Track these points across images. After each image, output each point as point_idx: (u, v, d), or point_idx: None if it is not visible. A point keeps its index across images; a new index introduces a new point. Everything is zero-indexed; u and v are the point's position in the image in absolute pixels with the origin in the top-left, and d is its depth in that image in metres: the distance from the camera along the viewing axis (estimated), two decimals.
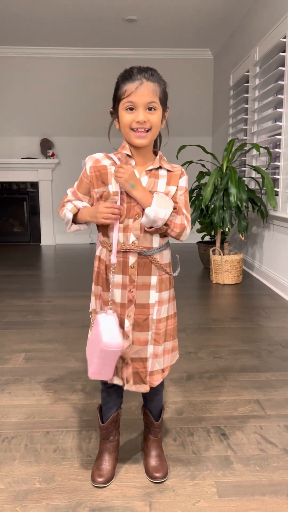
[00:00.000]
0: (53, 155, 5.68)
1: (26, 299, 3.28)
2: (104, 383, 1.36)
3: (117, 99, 1.18)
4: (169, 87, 1.23)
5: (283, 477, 1.36)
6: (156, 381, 1.30)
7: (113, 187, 1.20)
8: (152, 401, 1.40)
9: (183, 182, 1.26)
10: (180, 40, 5.22)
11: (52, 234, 5.94)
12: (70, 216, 1.26)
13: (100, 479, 1.31)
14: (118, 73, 1.20)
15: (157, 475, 1.33)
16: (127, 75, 1.15)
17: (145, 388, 1.28)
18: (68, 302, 3.19)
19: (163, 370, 1.31)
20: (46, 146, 5.68)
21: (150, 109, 1.15)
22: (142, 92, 1.13)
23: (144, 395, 1.40)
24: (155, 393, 1.38)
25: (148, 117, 1.15)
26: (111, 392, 1.36)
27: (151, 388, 1.31)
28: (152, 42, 5.26)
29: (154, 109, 1.16)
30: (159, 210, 1.14)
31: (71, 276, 4.06)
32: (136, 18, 4.51)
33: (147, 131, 1.16)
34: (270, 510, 1.23)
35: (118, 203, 1.18)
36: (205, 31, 4.90)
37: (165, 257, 1.27)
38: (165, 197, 1.19)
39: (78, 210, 1.26)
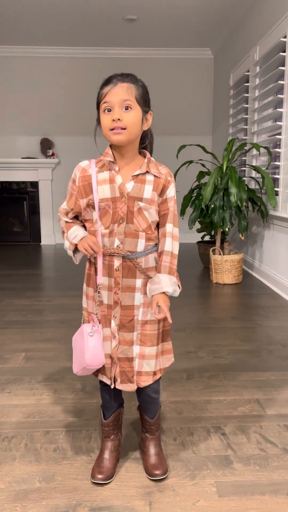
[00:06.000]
0: (53, 154, 5.67)
1: (26, 298, 3.28)
2: (102, 383, 1.37)
3: (97, 105, 1.22)
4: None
5: (283, 476, 1.36)
6: (144, 382, 1.30)
7: (98, 194, 1.22)
8: (147, 407, 1.40)
9: (172, 191, 1.27)
10: (180, 39, 5.21)
11: (52, 233, 5.94)
12: (71, 254, 1.32)
13: (100, 476, 1.32)
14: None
15: (157, 472, 1.33)
16: (104, 82, 1.20)
17: (131, 387, 1.30)
18: (68, 301, 3.19)
19: (154, 373, 1.31)
20: (46, 146, 5.68)
21: (126, 108, 1.17)
22: (115, 91, 1.17)
23: (140, 402, 1.41)
24: (151, 401, 1.38)
25: (123, 116, 1.17)
26: (110, 391, 1.37)
27: (145, 395, 1.35)
28: (152, 41, 5.26)
29: (130, 108, 1.17)
30: (175, 289, 1.26)
31: (71, 275, 4.06)
32: (136, 18, 4.51)
33: (124, 129, 1.18)
34: (270, 510, 1.23)
35: (100, 240, 1.23)
36: (205, 30, 4.90)
37: (150, 260, 1.28)
38: (170, 279, 1.25)
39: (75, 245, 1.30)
